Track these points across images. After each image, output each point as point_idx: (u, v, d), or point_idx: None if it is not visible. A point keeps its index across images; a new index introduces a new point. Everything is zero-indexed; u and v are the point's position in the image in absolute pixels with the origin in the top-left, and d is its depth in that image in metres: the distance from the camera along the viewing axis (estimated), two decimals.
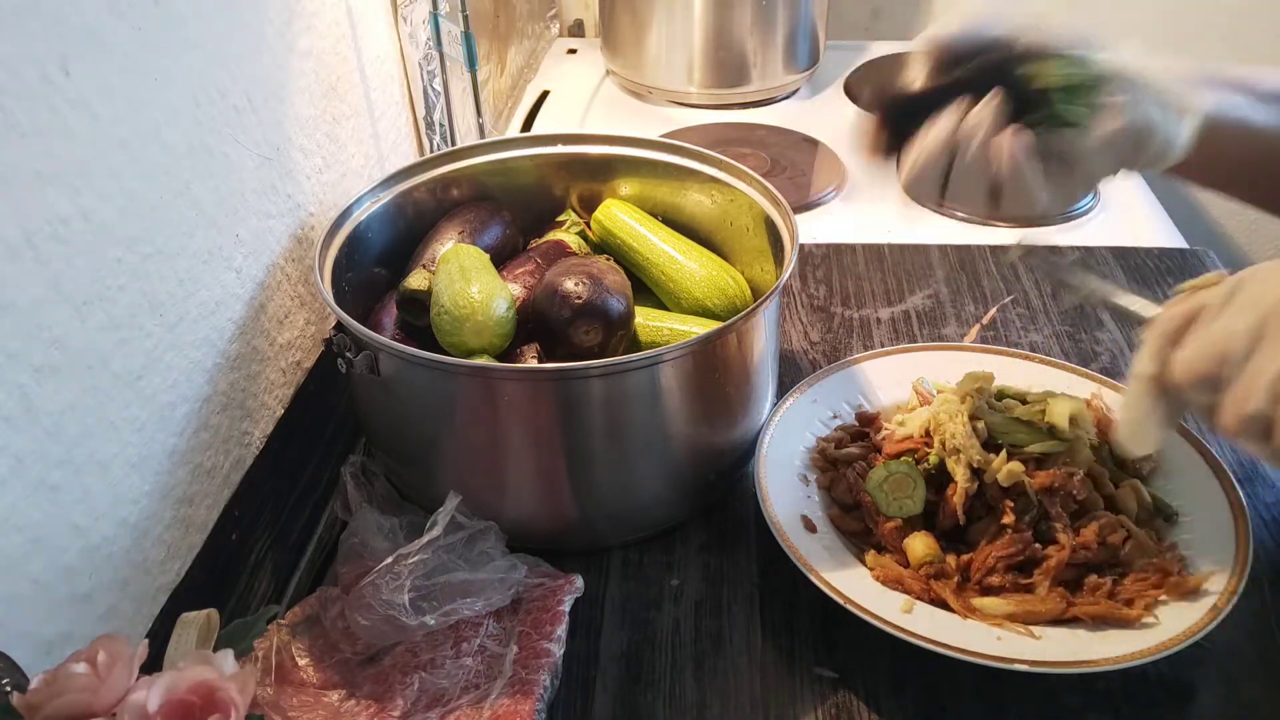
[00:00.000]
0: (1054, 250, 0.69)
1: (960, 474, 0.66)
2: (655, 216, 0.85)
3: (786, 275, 0.68)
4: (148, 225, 0.56)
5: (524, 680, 0.59)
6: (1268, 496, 0.74)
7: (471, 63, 0.96)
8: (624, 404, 0.64)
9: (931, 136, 0.59)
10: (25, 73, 0.46)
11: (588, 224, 0.87)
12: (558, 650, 0.61)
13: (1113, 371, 0.87)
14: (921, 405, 0.74)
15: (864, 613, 0.60)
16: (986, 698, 0.61)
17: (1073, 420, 0.66)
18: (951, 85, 0.59)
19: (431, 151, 1.01)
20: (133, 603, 0.56)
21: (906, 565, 0.65)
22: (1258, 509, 0.73)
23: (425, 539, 0.62)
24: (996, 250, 1.04)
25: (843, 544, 0.67)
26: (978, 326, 0.94)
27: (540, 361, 0.71)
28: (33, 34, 0.47)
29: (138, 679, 0.40)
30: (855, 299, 0.98)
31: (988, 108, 0.58)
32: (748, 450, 0.74)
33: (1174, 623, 0.59)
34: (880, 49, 1.54)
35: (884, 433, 0.74)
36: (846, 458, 0.72)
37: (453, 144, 1.03)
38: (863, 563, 0.66)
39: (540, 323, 0.73)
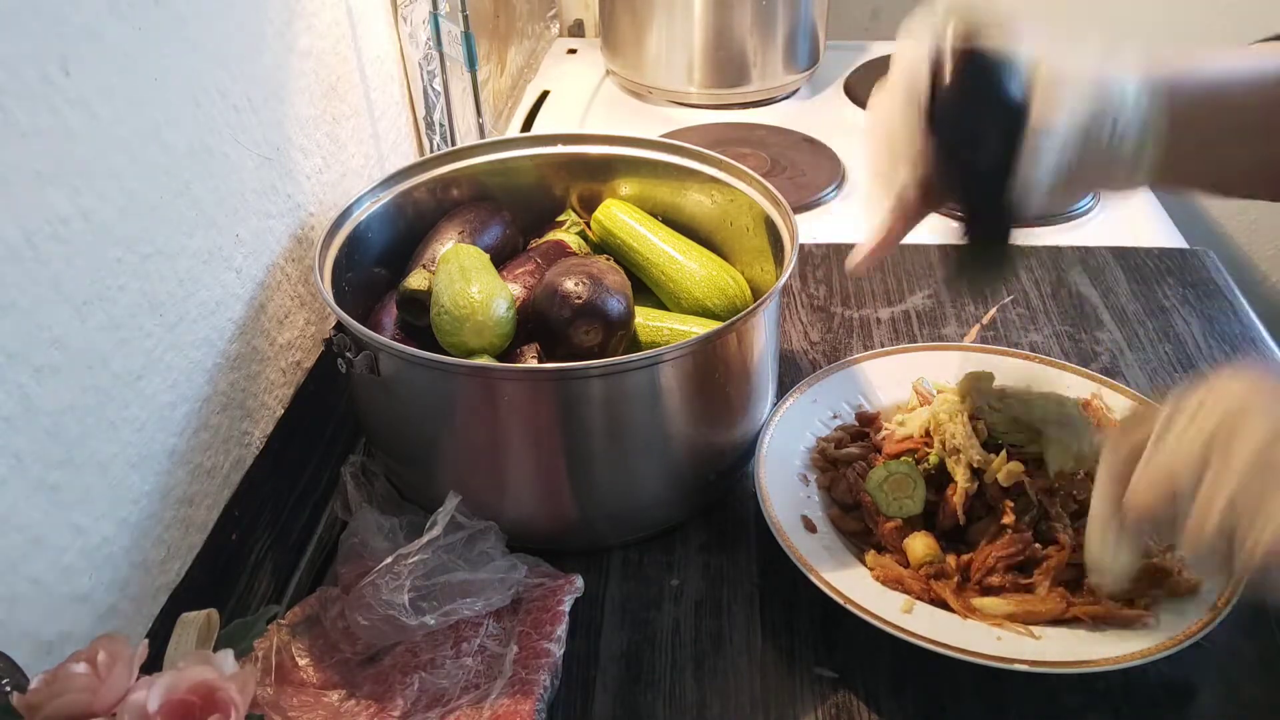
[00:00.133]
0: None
1: (960, 474, 0.66)
2: (655, 216, 0.85)
3: (786, 275, 0.68)
4: (148, 225, 0.56)
5: (524, 680, 0.59)
6: None
7: (471, 63, 0.96)
8: (624, 404, 0.64)
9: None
10: (25, 73, 0.46)
11: (588, 224, 0.87)
12: (558, 650, 0.61)
13: (1112, 371, 0.87)
14: (921, 405, 0.74)
15: (864, 613, 0.60)
16: (986, 698, 0.61)
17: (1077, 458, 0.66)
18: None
19: (431, 151, 1.01)
20: (133, 603, 0.56)
21: (906, 565, 0.65)
22: None
23: (425, 539, 0.62)
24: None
25: (843, 544, 0.67)
26: (978, 326, 0.94)
27: (540, 361, 0.71)
28: (33, 34, 0.47)
29: (138, 679, 0.40)
30: (855, 299, 0.98)
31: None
32: (748, 450, 0.74)
33: (1174, 623, 0.59)
34: (880, 49, 1.54)
35: (884, 433, 0.74)
36: (846, 458, 0.72)
37: (453, 144, 1.03)
38: (863, 563, 0.66)
39: (540, 323, 0.73)
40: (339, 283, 0.71)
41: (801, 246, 0.87)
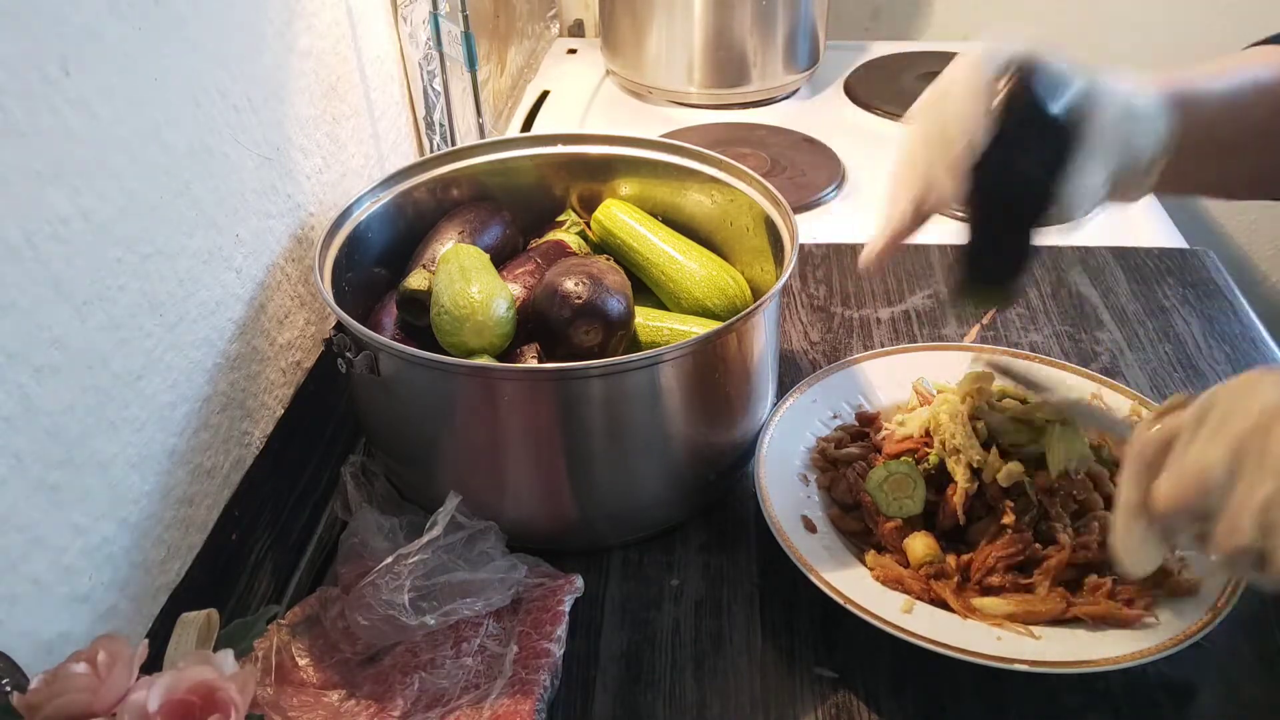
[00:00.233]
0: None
1: (960, 474, 0.66)
2: (655, 216, 0.85)
3: (786, 275, 0.68)
4: (148, 225, 0.56)
5: (524, 680, 0.59)
6: None
7: (471, 63, 0.96)
8: (624, 404, 0.64)
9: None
10: (25, 73, 0.46)
11: (588, 224, 0.87)
12: (558, 650, 0.61)
13: (1112, 371, 0.87)
14: (921, 405, 0.74)
15: (864, 613, 0.60)
16: (986, 698, 0.61)
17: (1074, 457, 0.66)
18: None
19: (431, 151, 1.01)
20: (133, 603, 0.56)
21: (906, 565, 0.65)
22: None
23: (425, 539, 0.62)
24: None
25: (843, 544, 0.67)
26: (978, 326, 0.94)
27: (540, 361, 0.71)
28: (33, 34, 0.47)
29: (138, 679, 0.40)
30: (855, 299, 0.98)
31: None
32: (748, 450, 0.74)
33: (1174, 623, 0.59)
34: (880, 49, 1.54)
35: (884, 433, 0.74)
36: (846, 458, 0.72)
37: (453, 144, 1.03)
38: (863, 563, 0.66)
39: (540, 323, 0.73)
40: (339, 283, 0.71)
41: (801, 246, 0.87)
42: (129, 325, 0.55)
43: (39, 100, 0.47)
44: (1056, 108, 0.53)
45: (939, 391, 0.74)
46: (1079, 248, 1.04)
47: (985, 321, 0.94)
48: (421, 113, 0.99)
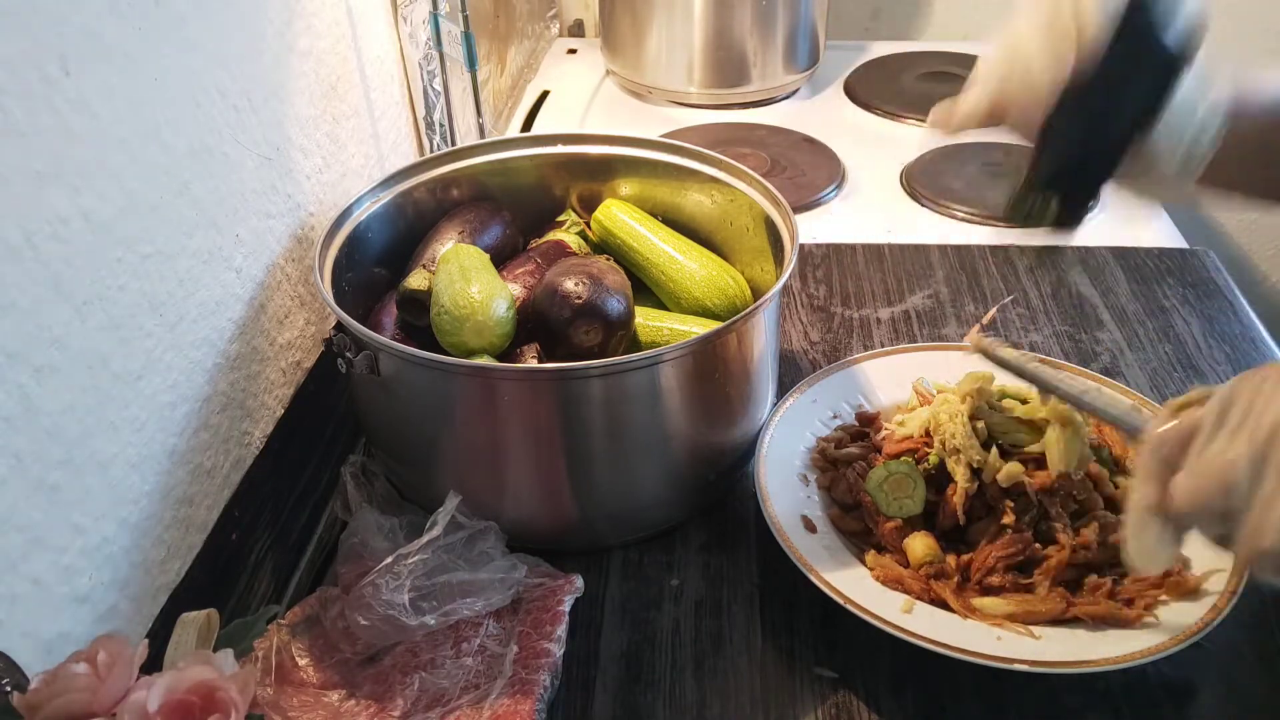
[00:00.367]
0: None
1: (960, 474, 0.66)
2: (655, 216, 0.85)
3: (786, 275, 0.68)
4: (148, 225, 0.56)
5: (524, 680, 0.59)
6: None
7: (471, 63, 0.96)
8: (624, 404, 0.64)
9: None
10: (25, 73, 0.46)
11: (588, 224, 0.87)
12: (558, 650, 0.61)
13: (1112, 371, 0.87)
14: (921, 405, 0.74)
15: (864, 613, 0.60)
16: (986, 698, 0.61)
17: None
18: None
19: (431, 151, 1.01)
20: (133, 603, 0.56)
21: (906, 565, 0.65)
22: None
23: (425, 539, 0.62)
24: (996, 251, 1.04)
25: (843, 544, 0.67)
26: (978, 327, 0.93)
27: (540, 361, 0.71)
28: (33, 34, 0.47)
29: (138, 679, 0.40)
30: (855, 299, 0.98)
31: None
32: (748, 450, 0.74)
33: (1174, 623, 0.59)
34: (880, 49, 1.54)
35: (884, 433, 0.74)
36: (846, 458, 0.72)
37: (453, 144, 1.03)
38: (863, 563, 0.66)
39: (540, 323, 0.73)
40: (339, 283, 0.71)
41: (801, 246, 0.87)
42: (129, 325, 0.55)
43: (39, 100, 0.47)
44: (1170, 35, 0.52)
45: (939, 391, 0.74)
46: (1079, 248, 1.04)
47: (985, 321, 0.94)
48: (421, 113, 0.99)
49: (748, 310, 0.66)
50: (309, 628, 0.64)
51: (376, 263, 0.78)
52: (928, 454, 0.68)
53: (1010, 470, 0.64)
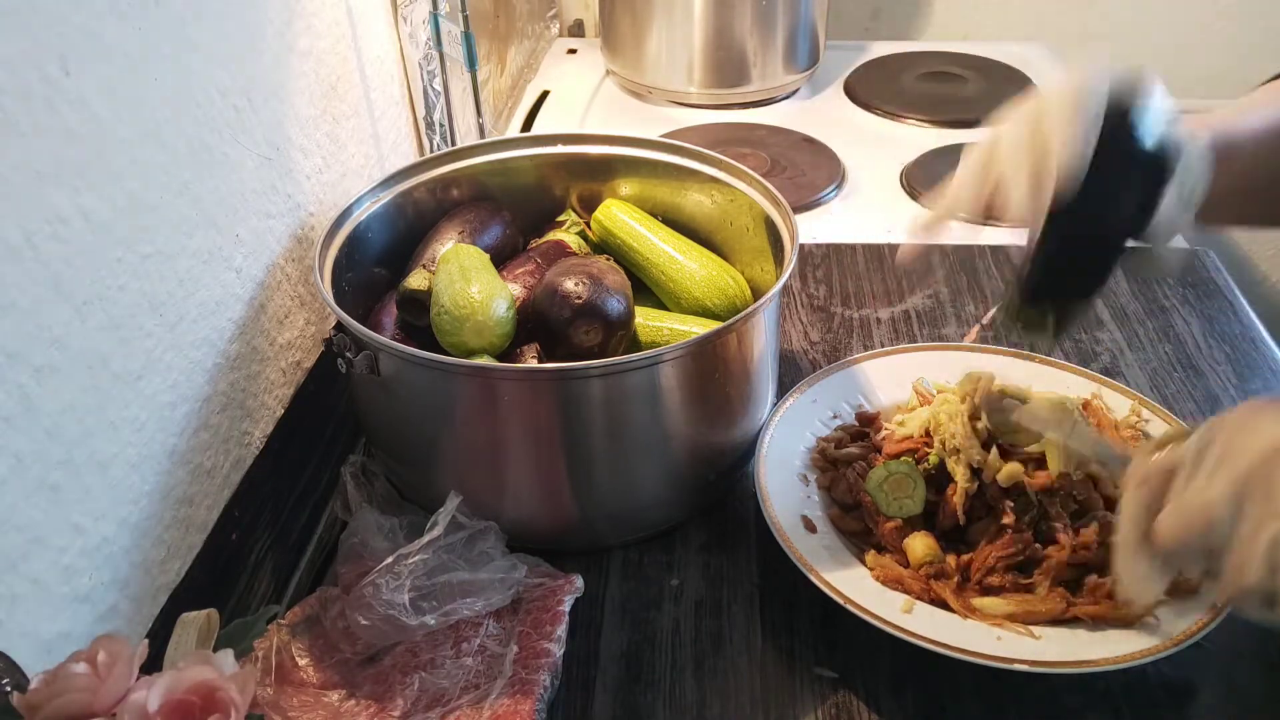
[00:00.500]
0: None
1: (960, 474, 0.66)
2: (655, 216, 0.85)
3: (786, 275, 0.68)
4: (148, 225, 0.56)
5: (524, 680, 0.59)
6: None
7: (471, 63, 0.96)
8: (624, 404, 0.64)
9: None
10: (25, 73, 0.46)
11: (588, 224, 0.87)
12: (558, 650, 0.61)
13: (1112, 371, 0.87)
14: (921, 405, 0.74)
15: (864, 613, 0.60)
16: (986, 698, 0.61)
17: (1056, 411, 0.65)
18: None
19: (431, 151, 1.00)
20: (133, 603, 0.56)
21: (906, 565, 0.65)
22: None
23: (425, 539, 0.62)
24: (996, 251, 1.04)
25: (843, 544, 0.67)
26: (977, 326, 0.94)
27: (540, 361, 0.71)
28: (33, 34, 0.47)
29: (138, 679, 0.40)
30: (855, 299, 0.98)
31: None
32: (748, 450, 0.74)
33: (1174, 623, 0.59)
34: (880, 49, 1.54)
35: (884, 433, 0.74)
36: (846, 458, 0.72)
37: (453, 144, 1.03)
38: (863, 563, 0.66)
39: (540, 323, 0.73)
40: (339, 283, 0.71)
41: (801, 246, 0.87)
42: (129, 325, 0.55)
43: (39, 100, 0.47)
44: (1153, 143, 0.53)
45: (939, 391, 0.74)
46: None
47: (985, 321, 0.94)
48: (421, 113, 0.99)
49: (748, 310, 0.66)
50: (309, 628, 0.64)
51: (376, 263, 0.78)
52: (928, 454, 0.68)
53: (1010, 470, 0.64)
